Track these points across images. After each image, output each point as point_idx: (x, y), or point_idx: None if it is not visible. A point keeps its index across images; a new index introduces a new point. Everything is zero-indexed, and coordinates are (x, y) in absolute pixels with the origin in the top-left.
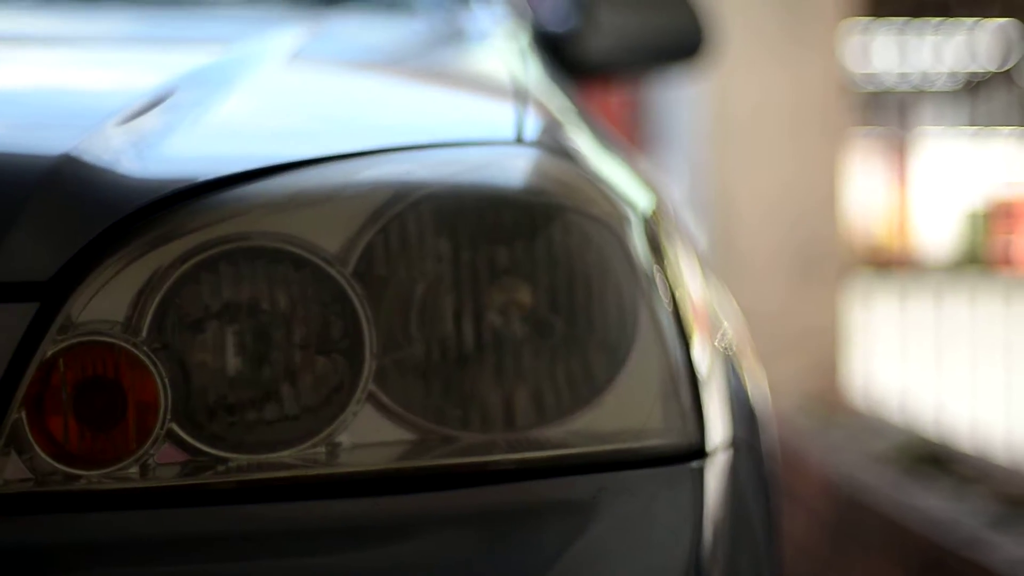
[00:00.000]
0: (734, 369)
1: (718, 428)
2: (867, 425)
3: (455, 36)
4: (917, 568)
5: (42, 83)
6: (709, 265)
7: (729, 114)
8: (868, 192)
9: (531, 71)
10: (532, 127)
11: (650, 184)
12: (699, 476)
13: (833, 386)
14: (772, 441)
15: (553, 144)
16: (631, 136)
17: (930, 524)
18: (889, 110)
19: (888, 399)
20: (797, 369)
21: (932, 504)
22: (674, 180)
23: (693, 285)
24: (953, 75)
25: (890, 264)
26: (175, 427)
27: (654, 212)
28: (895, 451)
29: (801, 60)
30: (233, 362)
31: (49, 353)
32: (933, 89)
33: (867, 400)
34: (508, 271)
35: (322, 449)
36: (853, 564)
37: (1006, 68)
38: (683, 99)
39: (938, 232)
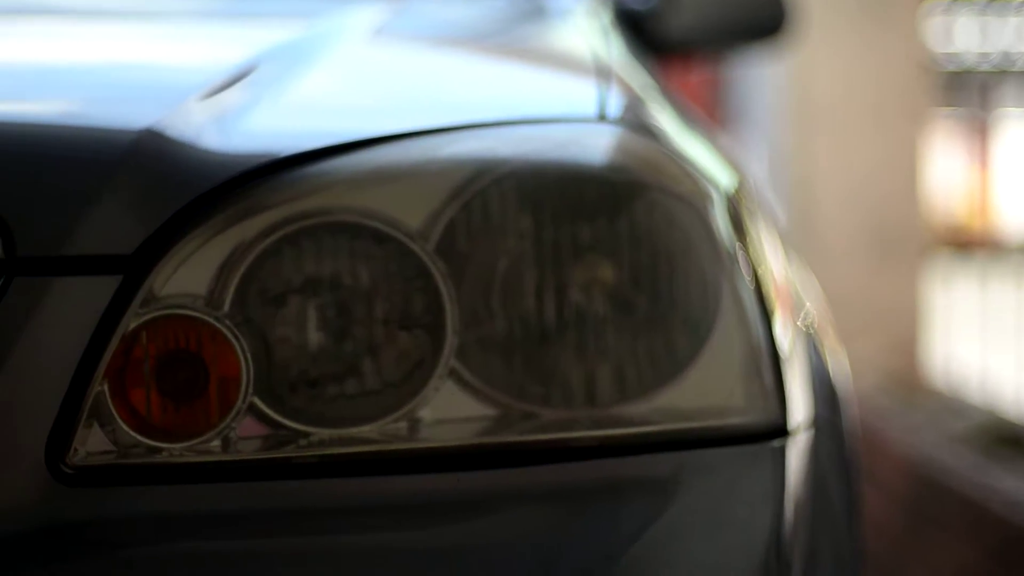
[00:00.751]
0: (815, 348)
1: (800, 407)
2: (947, 405)
3: (537, 13)
4: (995, 549)
5: (125, 58)
6: (789, 244)
7: (809, 94)
8: (949, 173)
9: (613, 48)
10: (615, 104)
11: (732, 162)
12: (781, 455)
13: (913, 367)
14: (853, 420)
15: (636, 121)
16: (712, 114)
17: (1009, 505)
18: (970, 91)
19: (968, 380)
20: (876, 349)
21: (1011, 485)
22: (753, 160)
23: (775, 263)
24: None
25: (970, 245)
26: (257, 401)
27: (736, 190)
28: (974, 432)
29: (883, 40)
30: (315, 336)
31: (132, 326)
32: (1015, 69)
33: (947, 381)
34: (591, 248)
35: (403, 424)
36: (931, 545)
37: None
38: (763, 78)
39: (1019, 213)
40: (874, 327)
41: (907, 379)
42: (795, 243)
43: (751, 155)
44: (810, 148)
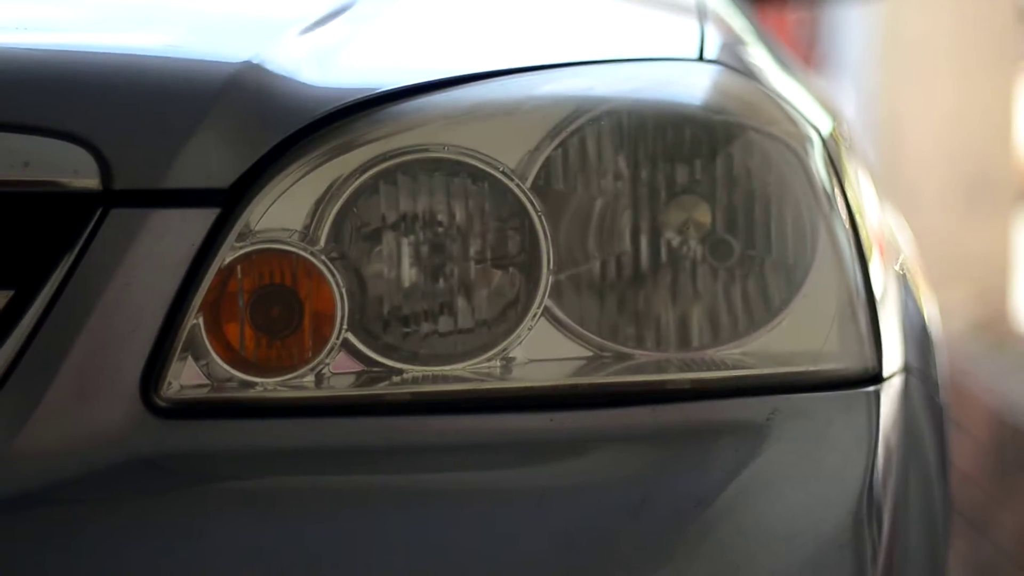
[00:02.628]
0: (910, 293)
1: (894, 353)
2: None
3: None
4: None
5: None
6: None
7: (900, 38)
8: None
9: None
10: (713, 44)
11: (828, 105)
12: (874, 401)
13: (1002, 315)
14: (944, 367)
15: (735, 62)
16: (806, 59)
17: None
18: None
19: None
20: (965, 297)
21: None
22: (844, 104)
23: (871, 207)
24: None
25: None
26: (351, 337)
27: (833, 132)
28: None
29: None
30: (409, 273)
31: (227, 260)
32: None
33: None
34: (687, 190)
35: (497, 363)
36: (1018, 492)
37: None
38: (855, 21)
39: None
40: (962, 274)
41: (996, 328)
42: (883, 189)
43: (842, 99)
44: (898, 94)
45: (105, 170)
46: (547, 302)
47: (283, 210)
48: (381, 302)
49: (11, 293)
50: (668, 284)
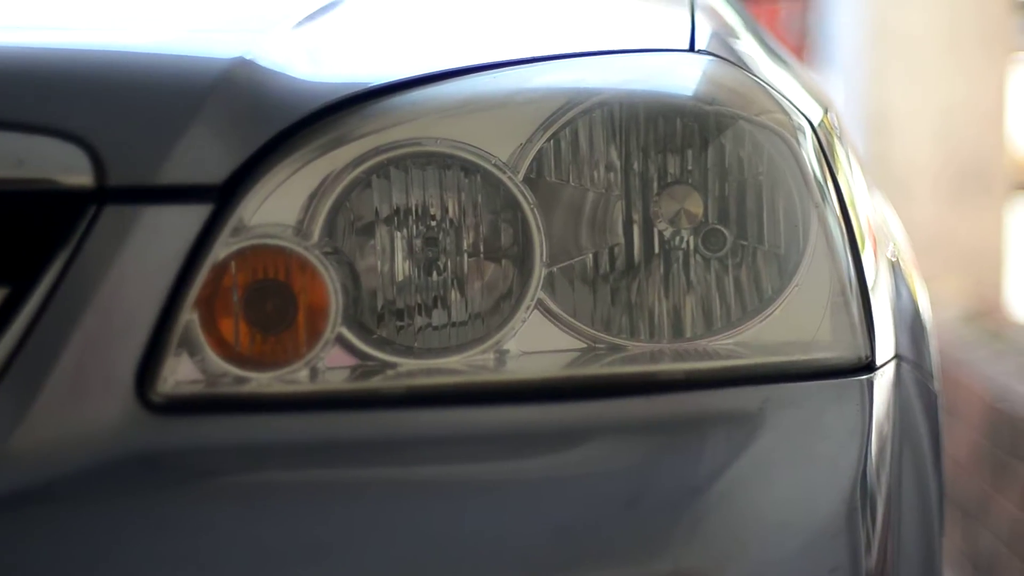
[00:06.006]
0: (902, 283)
1: (886, 342)
2: None
3: None
4: None
5: None
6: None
7: (891, 28)
8: None
9: None
10: (705, 35)
11: (819, 95)
12: (867, 390)
13: (996, 304)
14: (937, 357)
15: (726, 53)
16: (798, 49)
17: None
18: None
19: None
20: (959, 287)
21: None
22: (833, 95)
23: (862, 197)
24: None
25: None
26: (345, 331)
27: (824, 122)
28: None
29: None
30: (402, 267)
31: (221, 255)
32: None
33: None
34: (679, 180)
35: (490, 356)
36: (1011, 478)
37: None
38: (844, 12)
39: None
40: (957, 266)
41: (990, 317)
42: (875, 180)
43: (832, 90)
44: (887, 84)
45: (99, 167)
46: (540, 294)
47: (276, 205)
48: (375, 296)
49: (6, 290)
50: (661, 275)
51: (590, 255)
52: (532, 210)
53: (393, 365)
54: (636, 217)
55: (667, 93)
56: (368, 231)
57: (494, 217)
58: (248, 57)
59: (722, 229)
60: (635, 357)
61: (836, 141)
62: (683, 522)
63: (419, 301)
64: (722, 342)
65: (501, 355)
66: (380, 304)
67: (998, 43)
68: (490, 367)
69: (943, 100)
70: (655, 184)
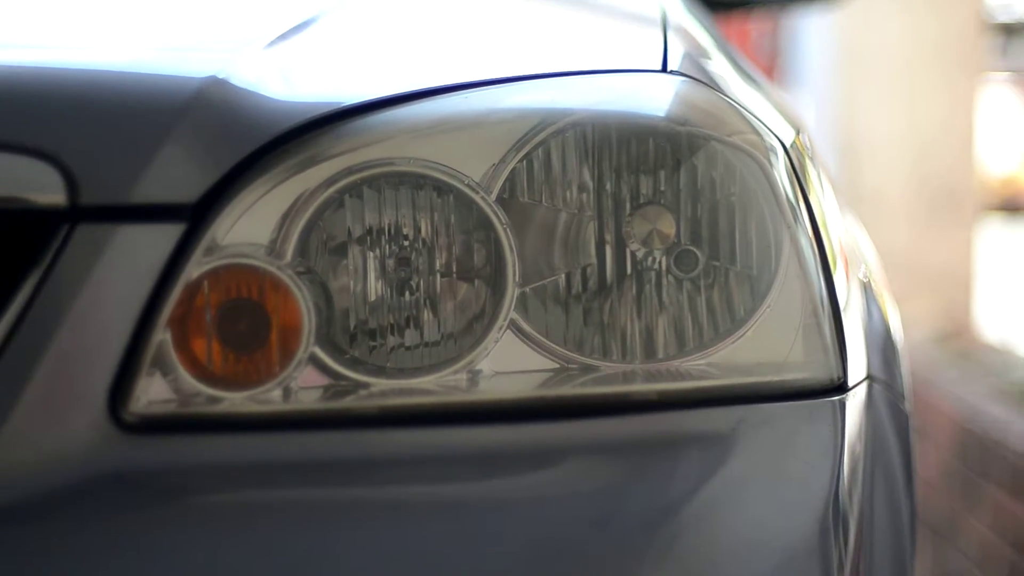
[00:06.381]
0: (874, 304)
1: (858, 362)
2: (998, 362)
3: None
4: None
5: (191, 6)
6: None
7: (862, 49)
8: (1002, 132)
9: (674, 1)
10: (677, 56)
11: (790, 115)
12: (839, 410)
13: (966, 325)
14: (908, 377)
15: (698, 73)
16: (769, 69)
17: None
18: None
19: (1020, 337)
20: (930, 309)
21: None
22: (805, 116)
23: (834, 218)
24: None
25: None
26: (318, 351)
27: (796, 143)
28: None
29: None
30: (375, 287)
31: (194, 275)
32: None
33: (998, 339)
34: (652, 201)
35: (463, 376)
36: (981, 499)
37: None
38: (815, 32)
39: None
40: (927, 287)
41: (960, 338)
42: (846, 201)
43: (804, 110)
44: (858, 104)
45: (72, 186)
46: (513, 315)
47: (249, 225)
48: (348, 316)
49: None
50: (633, 295)
51: (563, 275)
52: (505, 230)
53: (366, 385)
54: (608, 237)
55: (639, 114)
56: (341, 251)
57: (467, 237)
58: (221, 76)
59: (694, 250)
60: (608, 378)
61: (808, 162)
62: (656, 543)
63: (392, 321)
64: (695, 363)
65: (474, 375)
66: (353, 324)
67: (970, 64)
68: (463, 387)
69: (915, 121)
70: (627, 205)
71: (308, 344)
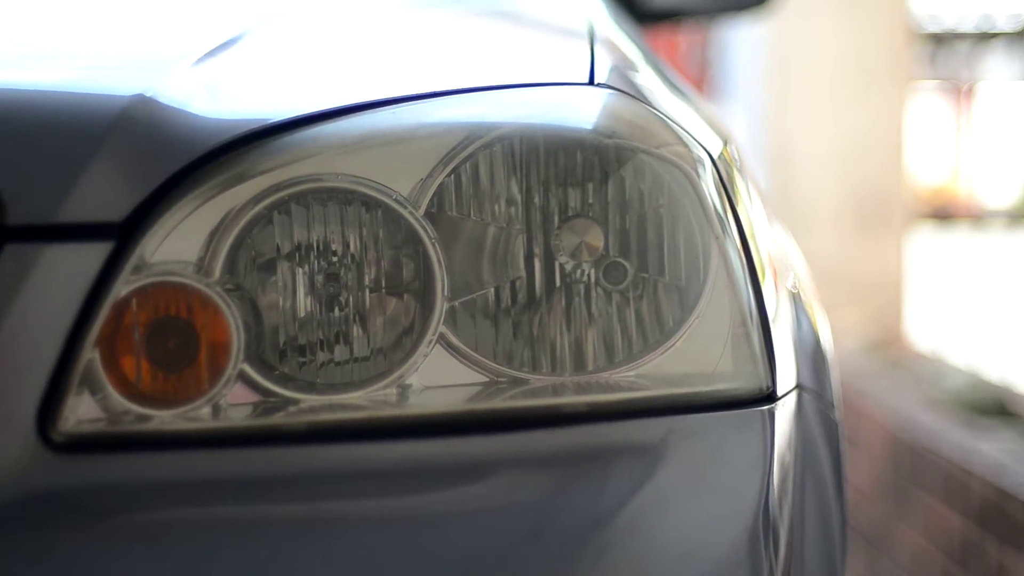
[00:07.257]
0: (803, 313)
1: (788, 372)
2: (930, 370)
3: None
4: (977, 512)
5: (116, 24)
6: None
7: (790, 59)
8: (931, 141)
9: (601, 14)
10: (604, 68)
11: (718, 127)
12: (769, 420)
13: (896, 334)
14: (838, 386)
15: (625, 85)
16: (699, 81)
17: (991, 468)
18: (953, 57)
19: (951, 346)
20: (860, 318)
21: (993, 448)
22: (734, 128)
23: (762, 229)
24: (1015, 17)
25: (953, 213)
26: (247, 368)
27: (724, 154)
28: (958, 396)
29: (865, 4)
30: (304, 303)
31: (123, 293)
32: (995, 31)
33: (930, 347)
34: (580, 213)
35: (393, 391)
36: (913, 508)
37: None
38: (744, 42)
39: (1001, 180)
40: (858, 296)
41: (891, 347)
42: (776, 211)
43: (733, 121)
44: (789, 115)
45: None
46: (442, 329)
47: (177, 242)
48: (277, 332)
49: None
50: (562, 308)
51: (492, 289)
52: (433, 245)
53: (295, 401)
54: (537, 251)
55: (567, 127)
56: (270, 267)
57: (395, 252)
58: (148, 94)
59: (623, 262)
60: (537, 390)
61: (736, 173)
62: (587, 553)
63: (321, 337)
64: (624, 374)
65: (403, 390)
66: (282, 340)
67: (899, 73)
68: (392, 402)
69: (844, 131)
70: (556, 218)
71: (237, 361)
